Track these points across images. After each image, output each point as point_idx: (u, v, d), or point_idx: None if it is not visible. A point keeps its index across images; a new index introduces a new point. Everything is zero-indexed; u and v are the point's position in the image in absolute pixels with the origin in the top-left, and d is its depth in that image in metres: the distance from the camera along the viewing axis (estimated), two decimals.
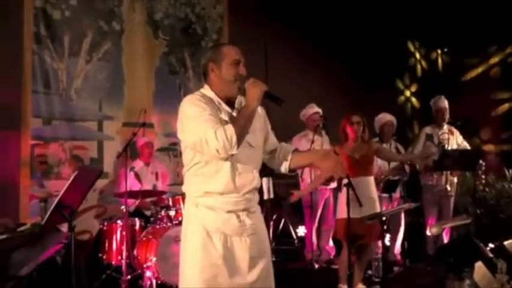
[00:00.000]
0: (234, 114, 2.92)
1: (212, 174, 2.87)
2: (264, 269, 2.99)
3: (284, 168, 3.16)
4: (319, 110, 6.93)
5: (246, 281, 2.89)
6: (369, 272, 6.03)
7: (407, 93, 10.30)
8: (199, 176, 2.92)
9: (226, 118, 2.88)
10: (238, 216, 2.91)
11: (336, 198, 6.87)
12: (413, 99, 10.30)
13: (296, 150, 3.20)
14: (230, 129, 2.73)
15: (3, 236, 3.08)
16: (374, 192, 5.38)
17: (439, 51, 10.39)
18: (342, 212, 5.12)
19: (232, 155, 2.79)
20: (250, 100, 2.81)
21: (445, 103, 6.89)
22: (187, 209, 3.01)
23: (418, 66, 10.45)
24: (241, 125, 2.78)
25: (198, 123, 2.79)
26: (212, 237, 2.87)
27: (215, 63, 2.93)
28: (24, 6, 6.60)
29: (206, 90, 2.99)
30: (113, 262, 5.82)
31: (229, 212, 2.89)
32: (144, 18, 7.60)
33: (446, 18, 9.00)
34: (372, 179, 5.39)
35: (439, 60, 10.46)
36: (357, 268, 5.32)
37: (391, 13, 8.88)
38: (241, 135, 2.77)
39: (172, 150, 7.66)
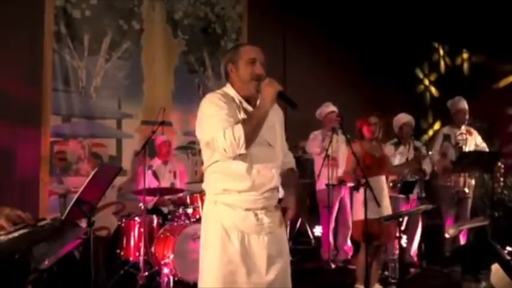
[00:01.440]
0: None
1: (231, 172, 2.90)
2: (282, 268, 2.99)
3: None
4: (336, 109, 6.89)
5: (264, 279, 2.91)
6: (386, 273, 6.01)
7: (427, 82, 10.17)
8: (218, 173, 2.94)
9: (245, 117, 2.90)
10: (256, 215, 2.92)
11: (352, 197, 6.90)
12: (433, 89, 10.18)
13: (289, 170, 3.18)
14: (239, 129, 2.75)
15: (25, 230, 3.12)
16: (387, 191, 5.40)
17: (465, 54, 10.19)
18: (358, 214, 5.09)
19: (240, 154, 2.80)
20: (264, 100, 2.83)
21: (465, 104, 6.81)
22: (206, 207, 3.04)
23: (442, 62, 10.32)
24: (253, 125, 2.80)
25: (212, 122, 2.83)
26: (230, 235, 2.89)
27: (233, 64, 2.98)
28: (45, 5, 6.70)
29: (228, 88, 3.02)
30: (131, 258, 5.88)
31: (247, 210, 2.90)
32: (164, 17, 7.66)
33: (472, 19, 8.83)
34: (384, 178, 5.39)
35: (464, 62, 10.27)
36: (374, 268, 5.31)
37: (414, 12, 8.80)
38: (251, 136, 2.78)
39: (191, 148, 7.72)
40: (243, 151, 2.77)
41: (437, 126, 9.86)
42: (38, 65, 6.68)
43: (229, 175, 2.90)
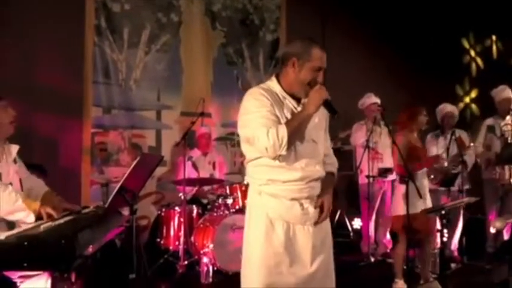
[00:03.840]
0: (299, 109, 2.90)
1: (276, 166, 2.86)
2: (325, 260, 2.98)
3: None
4: (378, 100, 6.81)
5: (308, 270, 2.89)
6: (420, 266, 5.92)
7: (467, 99, 9.95)
8: (263, 167, 2.91)
9: (288, 114, 2.87)
10: (301, 204, 2.89)
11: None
12: (473, 106, 9.95)
13: (329, 174, 3.09)
14: (283, 130, 2.72)
15: (70, 217, 3.18)
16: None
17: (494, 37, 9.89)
18: (399, 209, 5.00)
19: (280, 155, 2.78)
20: (310, 105, 2.80)
21: (509, 93, 6.63)
22: (250, 198, 3.03)
23: (473, 64, 10.08)
24: (295, 127, 2.78)
25: (253, 118, 2.80)
26: (275, 225, 2.87)
27: (299, 60, 2.87)
28: (85, 0, 6.80)
29: (273, 82, 2.97)
30: (171, 247, 5.95)
31: (292, 199, 2.88)
32: (202, 9, 7.68)
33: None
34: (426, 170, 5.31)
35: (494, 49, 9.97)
36: (423, 262, 5.22)
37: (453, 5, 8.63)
38: (293, 137, 2.76)
39: (230, 139, 7.73)
40: (283, 152, 2.75)
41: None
42: (79, 58, 6.79)
43: (274, 168, 2.87)
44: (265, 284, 2.82)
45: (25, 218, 3.14)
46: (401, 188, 4.94)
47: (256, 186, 2.97)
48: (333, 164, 3.15)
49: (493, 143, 6.56)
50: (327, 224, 3.06)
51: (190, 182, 6.10)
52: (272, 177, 2.88)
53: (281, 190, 2.88)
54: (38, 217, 3.16)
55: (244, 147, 2.99)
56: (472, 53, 10.03)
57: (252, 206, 2.99)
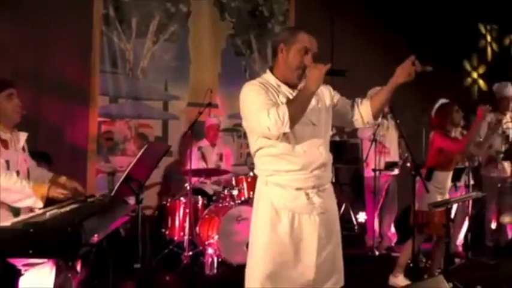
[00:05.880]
0: (291, 97, 2.91)
1: (278, 154, 2.88)
2: (332, 250, 2.98)
3: (367, 117, 3.11)
4: None
5: (313, 261, 2.89)
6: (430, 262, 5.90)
7: (475, 75, 9.91)
8: (266, 157, 2.94)
9: (284, 100, 2.87)
10: (307, 194, 2.89)
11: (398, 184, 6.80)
12: (481, 82, 9.92)
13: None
14: (283, 108, 2.73)
15: (76, 205, 3.19)
16: None
17: None
18: (423, 204, 4.86)
19: (284, 134, 2.77)
20: (310, 83, 2.79)
21: (510, 91, 6.62)
22: (258, 188, 3.04)
23: (489, 49, 10.02)
24: (297, 106, 2.77)
25: (253, 105, 2.82)
26: (280, 215, 2.87)
27: (286, 46, 2.92)
28: None
29: (267, 75, 3.01)
30: (175, 238, 5.95)
31: (298, 189, 2.88)
32: (211, 0, 7.64)
33: None
34: None
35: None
36: (433, 258, 5.21)
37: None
38: (296, 115, 2.75)
39: (236, 131, 7.70)
40: (287, 130, 2.73)
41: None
42: (87, 47, 6.80)
43: (277, 157, 2.89)
44: (269, 272, 2.83)
45: (33, 204, 3.16)
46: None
47: (263, 177, 2.99)
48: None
49: (493, 140, 6.55)
50: (334, 212, 3.07)
51: (197, 172, 6.09)
52: (276, 168, 2.90)
53: (286, 180, 2.88)
54: (48, 202, 3.17)
55: (249, 139, 3.03)
56: (488, 38, 10.00)
57: (259, 196, 3.00)
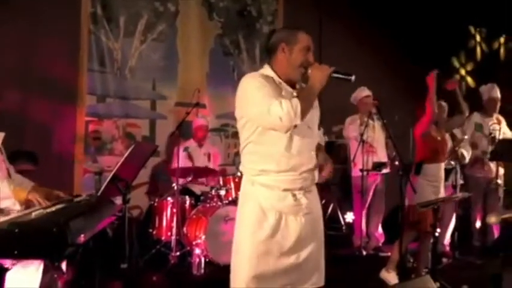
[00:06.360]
0: (295, 94, 2.90)
1: (270, 153, 2.87)
2: (316, 249, 2.98)
3: None
4: (371, 93, 6.73)
5: (297, 260, 2.90)
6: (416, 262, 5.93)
7: (463, 71, 9.94)
8: (254, 154, 2.92)
9: (287, 97, 2.86)
10: (294, 195, 2.89)
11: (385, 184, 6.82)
12: (469, 79, 9.96)
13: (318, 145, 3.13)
14: (295, 100, 2.74)
15: (62, 205, 3.16)
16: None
17: (502, 39, 9.90)
18: (411, 199, 4.91)
19: (290, 132, 2.78)
20: (314, 82, 2.82)
21: (497, 93, 6.67)
22: (243, 188, 3.03)
23: (478, 49, 10.05)
24: (306, 101, 2.79)
25: (261, 94, 2.79)
26: (267, 215, 2.87)
27: (288, 45, 2.93)
28: None
29: (266, 70, 2.99)
30: (163, 238, 5.92)
31: (285, 190, 2.88)
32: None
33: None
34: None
35: (501, 48, 9.98)
36: (419, 258, 5.23)
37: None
38: (305, 110, 2.76)
39: (224, 131, 7.68)
40: (298, 122, 2.74)
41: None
42: (75, 45, 6.76)
43: (268, 156, 2.88)
44: (254, 272, 2.83)
45: (12, 206, 3.13)
46: (415, 179, 4.90)
47: (249, 176, 2.97)
48: (321, 140, 3.22)
49: (480, 141, 6.60)
50: (319, 212, 3.08)
51: (184, 172, 6.08)
52: (265, 168, 2.88)
53: (274, 181, 2.88)
54: (26, 206, 3.14)
55: (241, 133, 2.98)
56: (478, 38, 10.01)
57: (244, 195, 2.99)
